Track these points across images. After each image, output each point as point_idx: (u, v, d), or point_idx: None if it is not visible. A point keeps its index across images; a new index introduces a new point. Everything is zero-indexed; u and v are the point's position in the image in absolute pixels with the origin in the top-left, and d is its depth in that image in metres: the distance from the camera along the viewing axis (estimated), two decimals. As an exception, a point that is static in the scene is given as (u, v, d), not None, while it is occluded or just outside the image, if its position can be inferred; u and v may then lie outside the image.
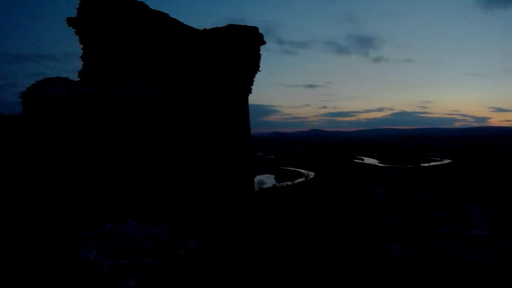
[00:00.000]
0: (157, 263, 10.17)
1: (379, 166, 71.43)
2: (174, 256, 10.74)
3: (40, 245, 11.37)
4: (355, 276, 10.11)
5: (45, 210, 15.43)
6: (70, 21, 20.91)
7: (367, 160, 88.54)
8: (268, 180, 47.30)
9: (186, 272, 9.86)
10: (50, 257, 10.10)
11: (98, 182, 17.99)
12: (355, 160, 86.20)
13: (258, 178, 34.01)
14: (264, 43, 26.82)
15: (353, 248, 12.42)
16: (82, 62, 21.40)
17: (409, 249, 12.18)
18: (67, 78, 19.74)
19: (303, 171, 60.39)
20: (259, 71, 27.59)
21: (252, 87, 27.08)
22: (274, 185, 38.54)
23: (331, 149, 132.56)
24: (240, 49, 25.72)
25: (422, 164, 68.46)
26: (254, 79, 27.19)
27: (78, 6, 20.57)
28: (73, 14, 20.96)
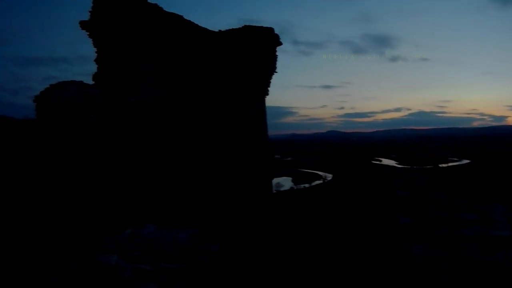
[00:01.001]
0: (179, 268, 10.05)
1: (397, 167, 70.90)
2: (196, 261, 10.62)
3: (57, 249, 11.30)
4: (377, 278, 10.00)
5: (60, 214, 15.46)
6: (83, 24, 20.93)
7: (385, 161, 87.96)
8: (285, 182, 47.20)
9: (209, 277, 9.79)
10: (67, 262, 10.01)
11: (114, 185, 18.00)
12: (373, 162, 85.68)
13: (275, 180, 33.92)
14: (280, 44, 26.71)
15: (374, 250, 12.29)
16: (96, 65, 21.41)
17: (432, 251, 12.04)
18: (81, 81, 19.77)
19: (320, 173, 60.14)
20: (276, 72, 27.49)
21: (269, 88, 27.03)
22: (291, 188, 38.46)
23: (349, 150, 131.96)
24: (256, 50, 25.63)
25: (440, 165, 67.89)
26: (271, 80, 27.11)
27: (90, 9, 20.60)
28: (85, 17, 20.95)
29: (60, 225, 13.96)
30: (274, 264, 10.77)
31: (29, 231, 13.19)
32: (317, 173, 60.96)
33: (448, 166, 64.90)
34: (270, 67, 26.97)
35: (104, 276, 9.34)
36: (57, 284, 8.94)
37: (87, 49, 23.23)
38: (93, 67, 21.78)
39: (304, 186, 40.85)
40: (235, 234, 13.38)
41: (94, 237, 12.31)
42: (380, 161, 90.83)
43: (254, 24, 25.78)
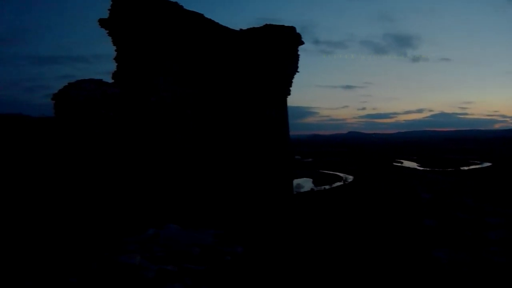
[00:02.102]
0: (204, 269, 9.98)
1: (419, 169, 70.31)
2: (221, 262, 10.53)
3: (76, 249, 11.23)
4: (402, 280, 9.92)
5: (79, 214, 15.28)
6: (103, 23, 20.85)
7: (407, 163, 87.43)
8: (306, 183, 46.95)
9: (233, 278, 9.73)
10: (87, 262, 9.99)
11: (134, 185, 17.94)
12: (395, 163, 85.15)
13: (296, 181, 33.84)
14: (302, 43, 26.52)
15: (398, 252, 12.21)
16: (116, 64, 21.30)
17: (456, 254, 11.96)
18: (100, 79, 19.75)
19: (341, 174, 59.85)
20: (298, 72, 27.33)
21: (290, 88, 26.91)
22: (312, 189, 38.37)
23: (370, 151, 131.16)
24: (277, 49, 25.52)
25: (462, 167, 67.18)
26: (293, 80, 26.97)
27: (110, 8, 20.53)
28: (102, 15, 20.82)
29: (78, 225, 13.91)
30: (298, 266, 10.73)
31: (47, 230, 13.19)
32: (337, 175, 60.62)
33: (470, 169, 64.06)
34: (292, 67, 26.83)
35: (128, 276, 9.32)
36: (76, 284, 8.92)
37: (105, 47, 23.29)
38: (111, 66, 21.84)
39: (324, 188, 40.63)
40: (259, 236, 13.30)
41: (114, 238, 12.29)
42: (402, 163, 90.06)
43: (274, 23, 25.63)
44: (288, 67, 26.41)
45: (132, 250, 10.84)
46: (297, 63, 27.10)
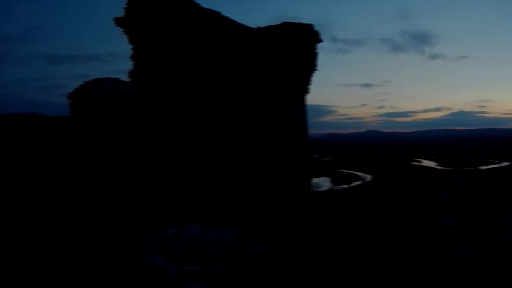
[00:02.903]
0: (225, 269, 9.89)
1: (438, 168, 70.00)
2: (242, 262, 10.44)
3: (98, 249, 11.14)
4: (423, 281, 9.94)
5: (100, 213, 15.28)
6: (118, 21, 20.83)
7: (425, 163, 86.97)
8: (324, 183, 47.03)
9: (255, 278, 9.66)
10: (109, 261, 9.95)
11: (152, 184, 17.96)
12: (413, 163, 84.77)
13: (314, 181, 33.86)
14: (321, 41, 26.38)
15: (419, 252, 12.21)
16: (132, 63, 21.26)
17: (477, 254, 11.93)
18: (117, 78, 19.68)
19: (359, 173, 59.79)
20: (317, 70, 27.27)
21: (309, 87, 26.83)
22: (330, 189, 38.33)
23: (388, 151, 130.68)
24: (295, 47, 25.47)
25: (480, 167, 66.81)
26: (311, 78, 26.88)
27: (125, 6, 20.50)
28: (117, 14, 20.75)
29: (97, 224, 13.91)
30: (319, 266, 10.75)
31: (64, 229, 13.17)
32: (356, 174, 60.57)
33: (488, 168, 63.71)
34: (310, 65, 26.78)
35: (149, 276, 9.31)
36: (90, 284, 8.86)
37: (120, 46, 23.27)
38: (126, 65, 21.69)
39: (342, 187, 40.63)
40: (279, 235, 13.31)
41: (134, 237, 12.23)
42: (420, 162, 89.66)
43: (291, 21, 25.51)
44: (306, 65, 26.35)
45: (152, 250, 10.79)
46: (315, 61, 27.04)
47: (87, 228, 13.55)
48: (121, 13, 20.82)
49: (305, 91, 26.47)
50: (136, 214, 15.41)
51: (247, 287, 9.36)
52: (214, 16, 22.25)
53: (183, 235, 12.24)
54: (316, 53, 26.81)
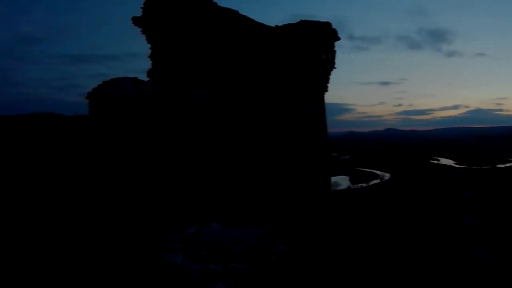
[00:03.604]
0: (247, 268, 9.84)
1: (456, 167, 69.47)
2: (264, 261, 10.39)
3: (120, 248, 11.19)
4: (443, 280, 10.00)
5: (120, 212, 15.26)
6: (136, 21, 20.86)
7: (443, 161, 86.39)
8: (343, 181, 46.92)
9: (277, 277, 9.63)
10: (131, 261, 9.93)
11: (173, 183, 17.87)
12: (431, 161, 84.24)
13: (333, 179, 33.81)
14: (339, 39, 26.32)
15: (439, 250, 12.25)
16: (151, 62, 21.25)
17: (498, 253, 11.91)
18: (135, 78, 19.77)
19: (378, 172, 59.57)
20: (335, 68, 27.23)
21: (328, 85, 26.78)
22: (348, 187, 38.34)
23: (407, 149, 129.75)
24: (314, 45, 25.45)
25: (498, 165, 66.19)
26: (330, 76, 26.82)
27: (142, 5, 20.54)
28: (134, 13, 20.68)
29: (118, 223, 13.93)
30: (340, 264, 10.73)
31: (86, 228, 13.25)
32: (374, 172, 60.37)
33: (506, 167, 63.06)
34: (328, 63, 26.72)
35: (170, 275, 9.19)
36: (111, 283, 8.88)
37: (137, 46, 23.28)
38: (144, 64, 21.77)
39: (361, 186, 40.58)
40: (300, 234, 13.25)
41: (156, 236, 12.22)
42: (438, 160, 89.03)
43: (309, 19, 25.48)
44: (325, 63, 26.30)
45: (174, 249, 10.77)
46: (333, 59, 26.97)
47: (108, 227, 13.56)
48: (138, 12, 20.92)
49: (324, 89, 26.49)
50: (157, 213, 15.37)
51: (269, 286, 9.35)
52: (232, 14, 22.29)
53: (204, 234, 12.13)
54: (334, 51, 26.74)
